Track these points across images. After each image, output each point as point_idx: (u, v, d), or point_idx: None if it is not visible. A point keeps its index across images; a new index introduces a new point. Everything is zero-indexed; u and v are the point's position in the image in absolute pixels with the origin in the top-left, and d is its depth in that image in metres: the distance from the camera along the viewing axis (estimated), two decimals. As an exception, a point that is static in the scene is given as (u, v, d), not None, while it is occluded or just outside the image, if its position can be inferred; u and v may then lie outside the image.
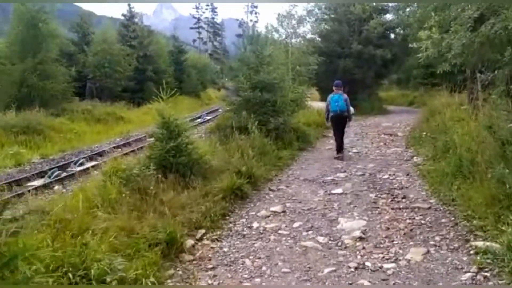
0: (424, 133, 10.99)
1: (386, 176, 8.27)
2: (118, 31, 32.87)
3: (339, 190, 7.35)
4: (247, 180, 7.45)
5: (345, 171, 8.93)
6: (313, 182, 8.12)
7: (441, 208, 6.16)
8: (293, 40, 22.52)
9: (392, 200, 6.73)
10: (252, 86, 11.55)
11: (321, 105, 20.48)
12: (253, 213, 6.43)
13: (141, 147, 17.09)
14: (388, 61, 23.12)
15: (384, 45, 23.03)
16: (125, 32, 32.72)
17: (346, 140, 12.54)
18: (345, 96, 10.56)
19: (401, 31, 23.77)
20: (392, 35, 25.11)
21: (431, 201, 6.54)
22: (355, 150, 11.43)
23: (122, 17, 34.32)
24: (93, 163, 14.33)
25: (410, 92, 31.52)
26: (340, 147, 10.52)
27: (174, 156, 7.18)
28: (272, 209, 6.51)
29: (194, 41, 65.77)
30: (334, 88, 10.60)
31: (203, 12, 70.49)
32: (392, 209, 6.32)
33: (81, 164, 14.19)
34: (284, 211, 6.44)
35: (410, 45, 24.51)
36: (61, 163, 14.28)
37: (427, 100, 27.12)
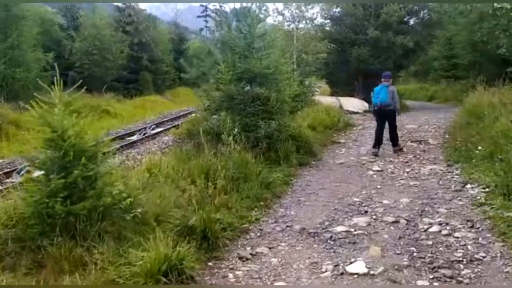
0: (479, 147, 7.55)
1: (435, 228, 4.88)
2: (113, 16, 29.64)
3: (361, 267, 3.97)
4: (199, 241, 4.19)
5: (366, 212, 5.57)
6: (315, 238, 4.76)
7: None
8: (300, 25, 18.98)
9: (464, 302, 3.38)
10: (237, 77, 8.22)
11: (331, 101, 17.06)
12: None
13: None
14: (409, 50, 19.48)
15: (404, 32, 19.40)
16: (120, 17, 29.42)
17: (363, 151, 9.26)
18: (392, 88, 9.35)
19: (425, 16, 20.12)
20: (411, 21, 21.41)
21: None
22: (376, 168, 8.03)
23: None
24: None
25: (429, 86, 27.86)
26: (394, 142, 9.47)
27: (64, 202, 3.90)
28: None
29: (201, 30, 61.99)
30: (382, 79, 9.43)
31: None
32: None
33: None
34: (252, 329, 3.12)
35: (433, 32, 20.98)
36: (4, 171, 11.12)
37: (451, 95, 23.53)
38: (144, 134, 16.15)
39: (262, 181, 6.37)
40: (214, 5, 67.27)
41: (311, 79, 15.85)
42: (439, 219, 5.16)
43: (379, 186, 6.79)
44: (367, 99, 19.36)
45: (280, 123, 8.15)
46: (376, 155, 9.11)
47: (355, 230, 4.91)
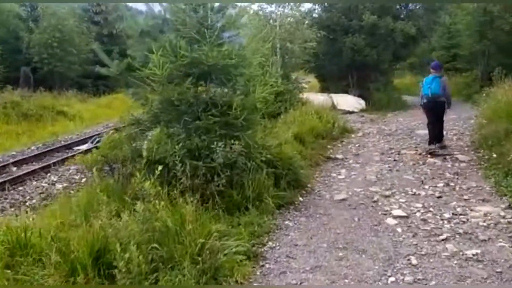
0: None
1: None
2: (81, 6, 26.32)
3: None
4: None
5: None
6: None
7: None
8: (286, 11, 15.81)
9: None
10: (180, 72, 5.17)
11: (322, 99, 14.07)
12: None
13: (56, 162, 10.79)
14: (410, 38, 16.48)
15: (405, 17, 16.42)
16: (87, 6, 26.06)
17: (371, 174, 6.32)
18: (444, 79, 8.21)
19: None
20: (412, 5, 18.34)
21: None
22: (397, 210, 5.04)
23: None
24: None
25: (428, 79, 24.89)
26: (438, 138, 8.16)
27: None
28: None
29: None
30: (431, 69, 8.19)
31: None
32: None
33: None
34: None
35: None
36: None
37: (453, 89, 20.55)
38: (98, 141, 12.99)
39: (205, 265, 3.35)
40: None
41: (298, 73, 12.86)
42: None
43: (414, 261, 3.78)
44: (364, 96, 16.42)
45: (248, 143, 5.13)
46: (442, 148, 8.11)
47: None
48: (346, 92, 16.70)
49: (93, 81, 24.41)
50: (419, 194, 5.67)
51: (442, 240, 4.20)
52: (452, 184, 6.06)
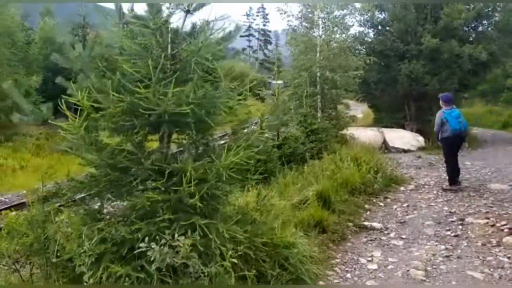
0: None
1: None
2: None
3: None
4: None
5: None
6: None
7: None
8: (336, 36, 13.80)
9: None
10: (113, 125, 3.45)
11: (371, 135, 11.87)
12: None
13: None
14: (480, 64, 13.80)
15: (474, 40, 13.83)
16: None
17: (418, 269, 4.12)
18: None
19: (501, 19, 14.39)
20: (481, 26, 15.61)
21: None
22: None
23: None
24: None
25: (502, 109, 21.67)
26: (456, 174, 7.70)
27: None
28: None
29: (243, 49, 58.23)
30: (445, 103, 7.67)
31: (254, 20, 64.08)
32: None
33: None
34: None
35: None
36: None
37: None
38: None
39: None
40: (257, 25, 64.19)
41: (340, 108, 10.85)
42: None
43: None
44: (423, 131, 13.91)
45: (206, 234, 3.24)
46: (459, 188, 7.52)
47: None
48: (402, 125, 14.28)
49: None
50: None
51: None
52: (548, 297, 3.75)
